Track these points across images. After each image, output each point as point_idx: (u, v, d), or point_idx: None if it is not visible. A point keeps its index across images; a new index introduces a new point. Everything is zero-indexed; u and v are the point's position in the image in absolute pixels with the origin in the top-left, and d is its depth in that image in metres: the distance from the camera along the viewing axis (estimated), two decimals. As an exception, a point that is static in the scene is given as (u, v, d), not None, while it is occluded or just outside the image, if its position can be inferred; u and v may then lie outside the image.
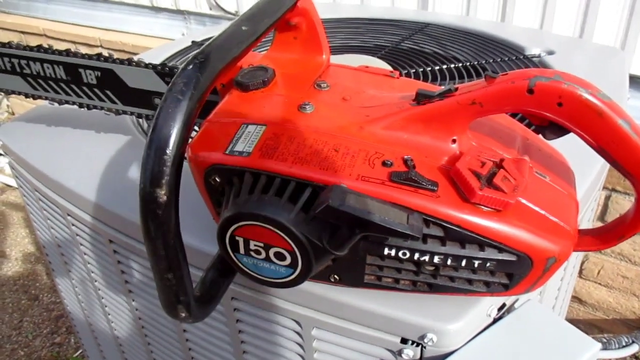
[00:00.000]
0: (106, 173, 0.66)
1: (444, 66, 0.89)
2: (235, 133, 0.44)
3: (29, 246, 2.13)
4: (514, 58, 0.93)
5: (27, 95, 0.69)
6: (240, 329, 0.58)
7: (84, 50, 2.52)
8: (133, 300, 0.70)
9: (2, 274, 2.00)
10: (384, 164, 0.41)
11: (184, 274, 0.40)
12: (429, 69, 0.88)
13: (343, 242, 0.39)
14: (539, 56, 0.94)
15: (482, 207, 0.40)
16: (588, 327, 1.57)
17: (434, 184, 0.40)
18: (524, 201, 0.41)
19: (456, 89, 0.42)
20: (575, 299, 1.54)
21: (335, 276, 0.45)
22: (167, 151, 0.35)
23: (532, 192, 0.42)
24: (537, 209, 0.41)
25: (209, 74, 0.38)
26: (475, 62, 0.91)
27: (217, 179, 0.43)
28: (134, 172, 0.65)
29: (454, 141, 0.43)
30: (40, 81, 0.67)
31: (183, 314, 0.42)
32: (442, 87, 0.44)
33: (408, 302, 0.47)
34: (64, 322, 1.79)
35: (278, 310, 0.53)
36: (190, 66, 0.38)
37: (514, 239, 0.40)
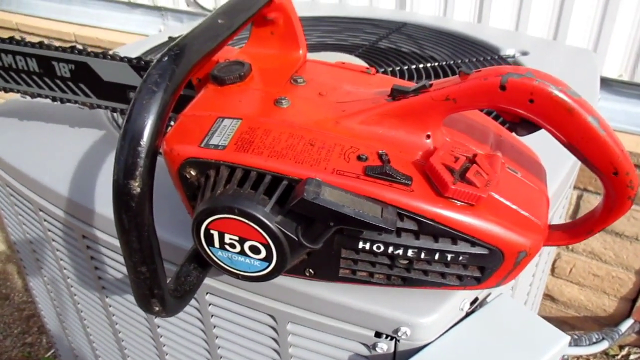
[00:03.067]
0: (79, 168, 0.65)
1: (420, 65, 0.90)
2: (211, 127, 0.44)
3: None
4: (489, 58, 0.94)
5: (-2, 88, 0.68)
6: (215, 324, 0.58)
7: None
8: (106, 297, 0.69)
9: (-28, 273, 1.96)
10: (359, 158, 0.41)
11: (158, 267, 0.40)
12: (406, 67, 0.89)
13: (318, 236, 0.39)
14: (513, 57, 0.95)
15: (455, 201, 0.40)
16: (560, 324, 1.60)
17: (408, 178, 0.40)
18: (496, 196, 0.42)
19: (430, 85, 0.43)
20: (548, 296, 1.57)
21: (310, 270, 0.45)
22: (141, 142, 0.35)
23: (504, 187, 0.43)
24: (508, 203, 0.42)
25: (184, 66, 0.38)
26: (451, 62, 0.92)
27: (192, 173, 0.42)
28: (108, 167, 0.65)
29: (428, 136, 0.44)
30: (13, 74, 0.66)
31: (157, 308, 0.41)
32: (417, 83, 0.45)
33: (382, 296, 0.47)
34: (35, 322, 1.76)
35: (253, 304, 0.53)
36: (166, 58, 0.37)
37: (486, 233, 0.40)
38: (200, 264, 0.46)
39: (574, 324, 1.58)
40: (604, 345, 1.38)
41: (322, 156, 0.41)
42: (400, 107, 0.43)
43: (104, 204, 0.59)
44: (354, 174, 0.40)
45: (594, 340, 1.39)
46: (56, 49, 0.62)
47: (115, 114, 0.76)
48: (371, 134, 0.44)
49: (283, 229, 0.39)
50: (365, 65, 0.84)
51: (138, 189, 0.35)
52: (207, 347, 0.62)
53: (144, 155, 0.35)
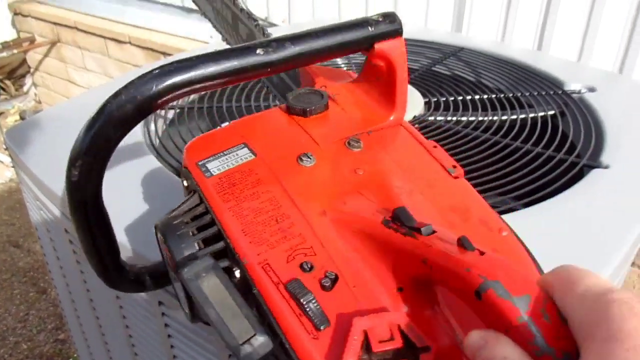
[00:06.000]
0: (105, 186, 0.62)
1: (477, 96, 0.84)
2: (229, 148, 0.41)
3: (42, 237, 2.12)
4: (551, 93, 0.87)
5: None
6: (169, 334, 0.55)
7: (112, 46, 2.49)
8: (120, 307, 0.66)
9: (13, 264, 1.99)
10: (302, 266, 0.33)
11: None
12: (460, 98, 0.83)
13: (193, 313, 0.37)
14: (579, 92, 0.88)
15: None
16: None
17: (324, 321, 0.31)
18: None
19: (434, 232, 0.32)
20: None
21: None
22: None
23: None
24: None
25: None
26: (511, 95, 0.86)
27: (185, 183, 0.41)
28: (136, 190, 0.61)
29: (399, 289, 0.33)
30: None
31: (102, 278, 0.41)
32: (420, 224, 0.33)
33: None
34: (68, 319, 1.77)
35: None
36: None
37: None
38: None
39: None
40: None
41: (272, 240, 0.34)
42: (384, 237, 0.34)
43: (130, 228, 0.56)
44: (275, 280, 0.32)
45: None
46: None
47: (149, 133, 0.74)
48: (340, 249, 0.35)
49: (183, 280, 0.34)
50: (418, 93, 0.78)
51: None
52: None
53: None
